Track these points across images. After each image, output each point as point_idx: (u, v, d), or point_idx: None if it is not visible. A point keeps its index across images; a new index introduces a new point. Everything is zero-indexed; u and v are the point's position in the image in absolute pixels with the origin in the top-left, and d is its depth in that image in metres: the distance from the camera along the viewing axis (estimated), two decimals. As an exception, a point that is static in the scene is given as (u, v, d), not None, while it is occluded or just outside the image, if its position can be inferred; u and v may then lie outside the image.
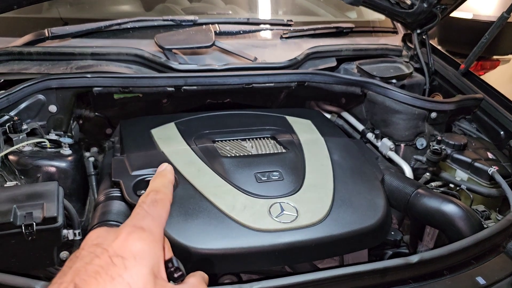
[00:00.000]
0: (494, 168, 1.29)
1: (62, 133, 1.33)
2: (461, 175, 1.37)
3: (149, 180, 1.09)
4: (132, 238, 0.48)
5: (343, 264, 1.18)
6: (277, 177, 1.11)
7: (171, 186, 0.59)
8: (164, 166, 0.62)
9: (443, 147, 1.38)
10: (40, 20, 1.75)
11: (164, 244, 0.54)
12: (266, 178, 1.10)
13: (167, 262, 0.52)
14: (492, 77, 3.02)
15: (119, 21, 1.59)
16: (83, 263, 0.45)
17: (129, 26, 1.60)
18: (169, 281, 0.51)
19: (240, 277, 1.08)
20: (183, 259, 0.94)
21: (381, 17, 2.04)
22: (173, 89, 1.40)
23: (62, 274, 0.45)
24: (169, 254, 0.55)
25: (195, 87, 1.41)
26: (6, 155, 1.15)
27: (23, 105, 1.28)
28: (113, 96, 1.43)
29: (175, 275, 0.52)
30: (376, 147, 1.56)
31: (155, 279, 0.47)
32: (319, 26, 1.82)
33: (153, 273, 0.47)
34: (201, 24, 1.65)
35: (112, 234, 0.49)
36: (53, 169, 1.17)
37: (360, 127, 1.64)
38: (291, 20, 1.78)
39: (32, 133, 1.25)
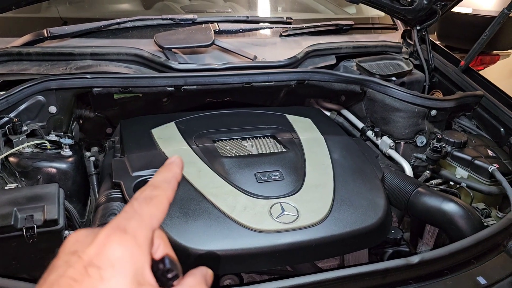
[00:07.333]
0: (495, 166, 1.29)
1: (62, 133, 1.33)
2: (461, 172, 1.37)
3: (149, 181, 1.12)
4: (110, 243, 0.42)
5: (343, 264, 1.19)
6: (277, 177, 1.11)
7: (174, 182, 0.51)
8: (173, 158, 0.54)
9: (443, 145, 1.38)
10: (39, 20, 1.75)
11: (159, 240, 0.48)
12: (266, 178, 1.10)
13: (158, 263, 0.46)
14: (492, 72, 3.01)
15: (118, 20, 1.57)
16: (57, 275, 0.41)
17: (128, 26, 1.59)
18: (162, 284, 0.45)
19: (242, 277, 1.08)
20: (184, 261, 0.95)
21: (381, 13, 2.03)
22: (173, 89, 1.39)
23: None
24: (164, 251, 0.48)
25: (195, 87, 1.41)
26: (6, 157, 1.15)
27: (22, 107, 1.28)
28: (113, 96, 1.42)
29: (169, 276, 0.46)
30: (376, 145, 1.55)
31: (139, 287, 0.42)
32: (319, 23, 1.81)
33: (137, 280, 0.42)
34: (201, 23, 1.64)
35: (90, 238, 0.44)
36: (53, 171, 1.18)
37: (360, 124, 1.64)
38: (290, 18, 1.77)
39: (32, 134, 1.25)
